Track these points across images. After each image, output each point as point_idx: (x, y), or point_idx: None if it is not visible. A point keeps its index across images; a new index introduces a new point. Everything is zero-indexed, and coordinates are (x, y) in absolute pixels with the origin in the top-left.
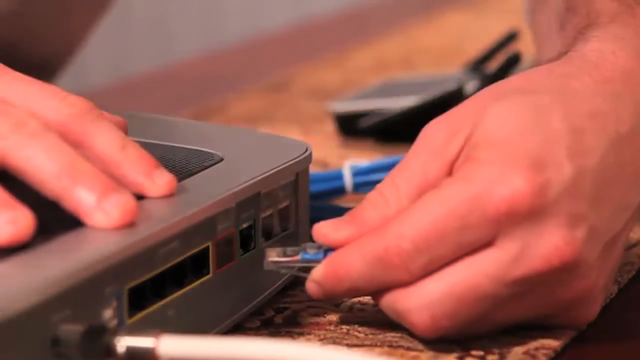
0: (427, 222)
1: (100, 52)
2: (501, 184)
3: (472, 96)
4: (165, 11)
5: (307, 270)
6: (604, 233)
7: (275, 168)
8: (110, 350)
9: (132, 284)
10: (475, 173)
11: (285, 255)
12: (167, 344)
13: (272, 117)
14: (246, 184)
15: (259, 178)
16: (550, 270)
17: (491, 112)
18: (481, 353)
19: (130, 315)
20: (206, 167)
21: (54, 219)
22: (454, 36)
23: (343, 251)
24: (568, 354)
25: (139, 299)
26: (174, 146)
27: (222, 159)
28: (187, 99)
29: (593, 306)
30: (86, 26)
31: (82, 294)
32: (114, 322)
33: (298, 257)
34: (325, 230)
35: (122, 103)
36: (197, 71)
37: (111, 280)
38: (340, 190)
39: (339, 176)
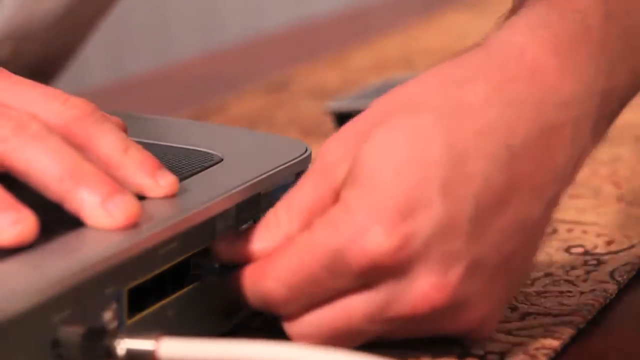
0: (299, 268)
1: (100, 52)
2: (363, 237)
3: (368, 108)
4: (165, 11)
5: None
6: (489, 260)
7: (274, 168)
8: (110, 352)
9: (132, 284)
10: (341, 220)
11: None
12: (167, 346)
13: (271, 117)
14: (246, 185)
15: (258, 178)
16: (422, 315)
17: (369, 143)
18: (481, 353)
19: (130, 316)
20: (206, 168)
21: (54, 220)
22: (454, 36)
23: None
24: (568, 354)
25: (139, 299)
26: (173, 146)
27: (222, 159)
28: (187, 99)
29: (489, 325)
30: (88, 27)
31: (82, 294)
32: (114, 323)
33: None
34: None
35: (122, 103)
36: (197, 71)
37: (111, 281)
38: None
39: None
